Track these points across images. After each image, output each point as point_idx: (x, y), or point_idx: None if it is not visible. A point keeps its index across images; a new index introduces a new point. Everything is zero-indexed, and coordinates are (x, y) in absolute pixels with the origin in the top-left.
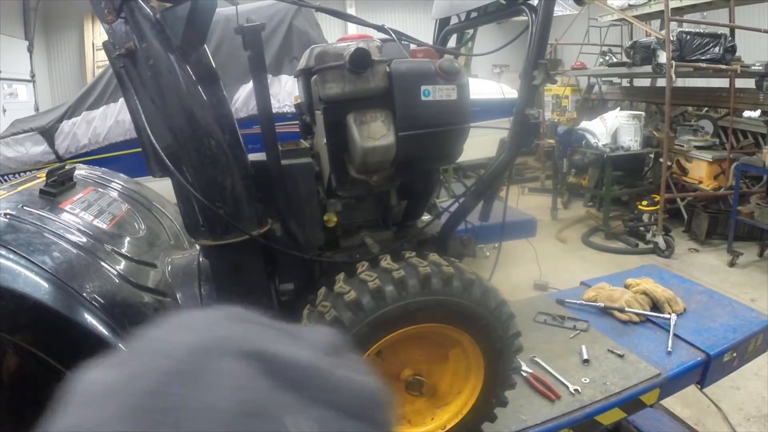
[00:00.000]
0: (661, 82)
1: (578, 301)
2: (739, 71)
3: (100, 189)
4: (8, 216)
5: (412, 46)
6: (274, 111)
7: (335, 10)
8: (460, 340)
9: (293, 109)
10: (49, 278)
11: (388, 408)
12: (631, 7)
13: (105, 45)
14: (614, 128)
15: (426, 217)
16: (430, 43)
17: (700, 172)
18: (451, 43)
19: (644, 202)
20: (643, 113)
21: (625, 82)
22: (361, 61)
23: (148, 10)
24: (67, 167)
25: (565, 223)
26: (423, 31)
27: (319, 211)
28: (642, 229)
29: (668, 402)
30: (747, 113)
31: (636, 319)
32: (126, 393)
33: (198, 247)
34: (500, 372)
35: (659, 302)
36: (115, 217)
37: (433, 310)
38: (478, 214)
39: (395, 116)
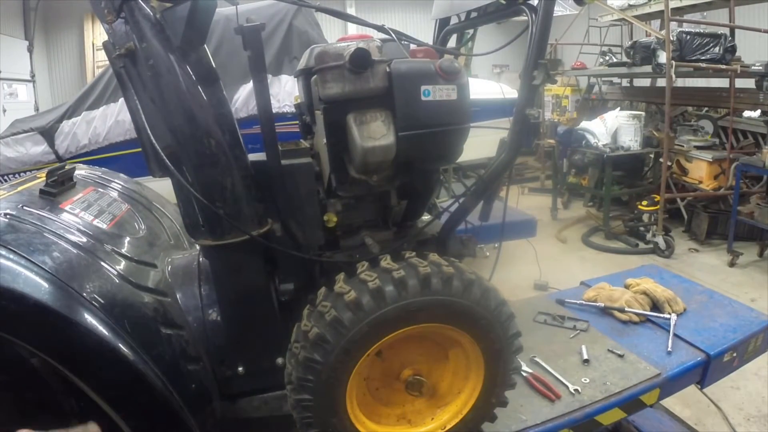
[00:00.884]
0: (661, 82)
1: (578, 301)
2: (739, 71)
3: (100, 189)
4: (8, 216)
5: (412, 46)
6: (274, 111)
7: (335, 10)
8: (460, 340)
9: (293, 109)
10: (49, 278)
11: None
12: (631, 7)
13: (105, 45)
14: (614, 128)
15: (426, 217)
16: (430, 43)
17: (700, 172)
18: (451, 43)
19: (644, 202)
20: (643, 113)
21: (625, 82)
22: (361, 61)
23: (148, 10)
24: (67, 167)
25: (565, 223)
26: (423, 31)
27: (319, 211)
28: (642, 229)
29: (668, 402)
30: (747, 113)
31: (636, 319)
32: None
33: (198, 247)
34: (500, 372)
35: (659, 302)
36: (115, 217)
37: (433, 310)
38: (478, 214)
39: (395, 116)
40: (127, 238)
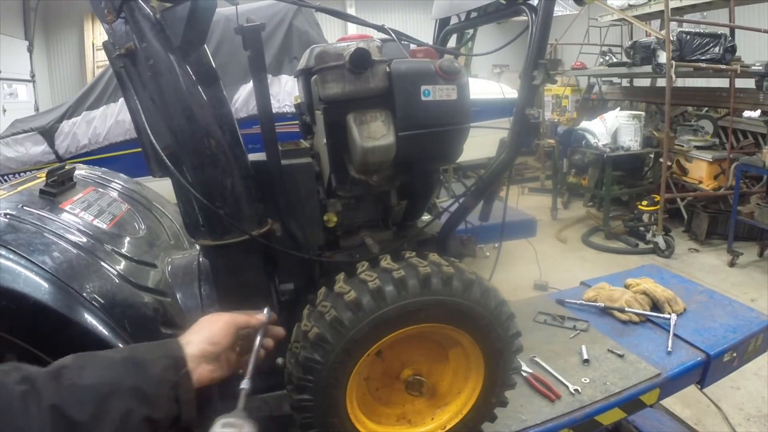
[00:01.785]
0: (661, 82)
1: (578, 301)
2: (739, 71)
3: (100, 189)
4: (8, 216)
5: (412, 46)
6: (274, 111)
7: (335, 10)
8: (460, 340)
9: (293, 109)
10: (49, 278)
11: None
12: (631, 7)
13: (105, 45)
14: (614, 128)
15: (426, 217)
16: (430, 43)
17: (700, 172)
18: (451, 43)
19: (644, 202)
20: (643, 113)
21: (625, 82)
22: (361, 61)
23: (148, 10)
24: (67, 167)
25: (565, 223)
26: (423, 31)
27: (319, 211)
28: (642, 229)
29: (668, 402)
30: (747, 113)
31: (636, 319)
32: None
33: (198, 247)
34: (500, 372)
35: (659, 302)
36: (115, 217)
37: (433, 310)
38: (478, 214)
39: (395, 116)
40: (127, 238)
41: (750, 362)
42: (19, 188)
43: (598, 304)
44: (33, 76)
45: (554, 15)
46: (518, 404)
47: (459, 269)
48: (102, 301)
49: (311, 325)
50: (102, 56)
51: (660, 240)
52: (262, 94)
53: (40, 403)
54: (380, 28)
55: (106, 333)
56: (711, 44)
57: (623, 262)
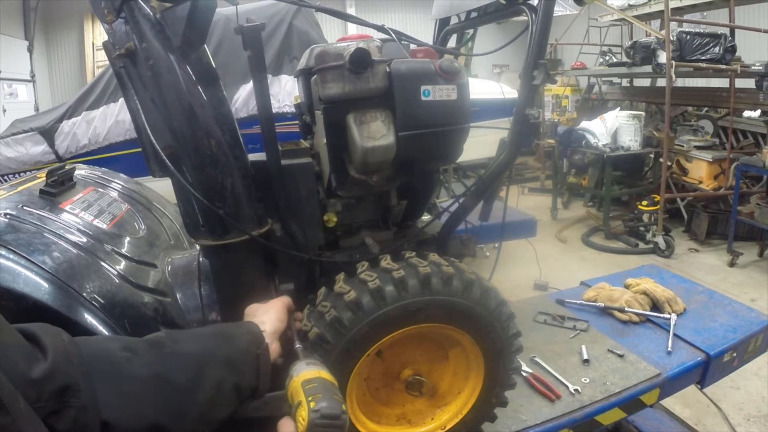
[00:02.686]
0: (661, 82)
1: (578, 301)
2: (739, 71)
3: (100, 189)
4: (8, 216)
5: (412, 46)
6: (274, 111)
7: (335, 10)
8: (460, 340)
9: (293, 109)
10: (49, 278)
11: None
12: (631, 7)
13: (105, 45)
14: (614, 128)
15: (426, 217)
16: (430, 43)
17: (700, 172)
18: (451, 43)
19: (644, 202)
20: (643, 113)
21: (625, 82)
22: (361, 61)
23: (148, 10)
24: (67, 167)
25: (565, 223)
26: (423, 31)
27: (319, 210)
28: (642, 229)
29: (668, 402)
30: (747, 113)
31: (636, 319)
32: None
33: (198, 247)
34: (500, 372)
35: (659, 302)
36: (115, 217)
37: (433, 310)
38: (478, 214)
39: (395, 116)
40: (127, 238)
41: (750, 362)
42: (19, 188)
43: (598, 304)
44: (33, 76)
45: (554, 15)
46: (518, 404)
47: (459, 269)
48: (102, 301)
49: (311, 325)
50: (102, 56)
51: (660, 240)
52: (262, 94)
53: (145, 368)
54: (380, 28)
55: (106, 333)
56: (711, 44)
57: (623, 262)
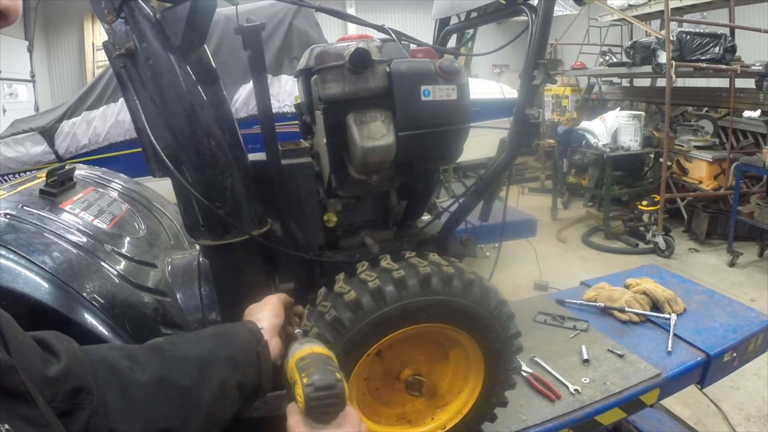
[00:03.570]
0: (661, 82)
1: (578, 301)
2: (739, 71)
3: (100, 189)
4: (8, 216)
5: (412, 46)
6: (274, 111)
7: (335, 10)
8: (460, 340)
9: (293, 109)
10: (49, 278)
11: None
12: (631, 7)
13: (105, 45)
14: (614, 128)
15: (426, 217)
16: (430, 43)
17: (700, 172)
18: (451, 43)
19: (644, 202)
20: (643, 113)
21: (625, 82)
22: (361, 61)
23: (148, 10)
24: (67, 167)
25: (565, 223)
26: (423, 31)
27: (319, 210)
28: (642, 229)
29: (668, 402)
30: (747, 113)
31: (636, 319)
32: None
33: (198, 247)
34: (500, 372)
35: (659, 302)
36: (115, 217)
37: (433, 310)
38: (478, 214)
39: (395, 116)
40: (127, 238)
41: (750, 362)
42: (19, 188)
43: (598, 304)
44: (33, 76)
45: (554, 15)
46: (518, 404)
47: (459, 269)
48: (102, 301)
49: (311, 325)
50: (102, 56)
51: (660, 240)
52: (262, 94)
53: (147, 374)
54: (380, 28)
55: (106, 333)
56: (711, 44)
57: (623, 262)
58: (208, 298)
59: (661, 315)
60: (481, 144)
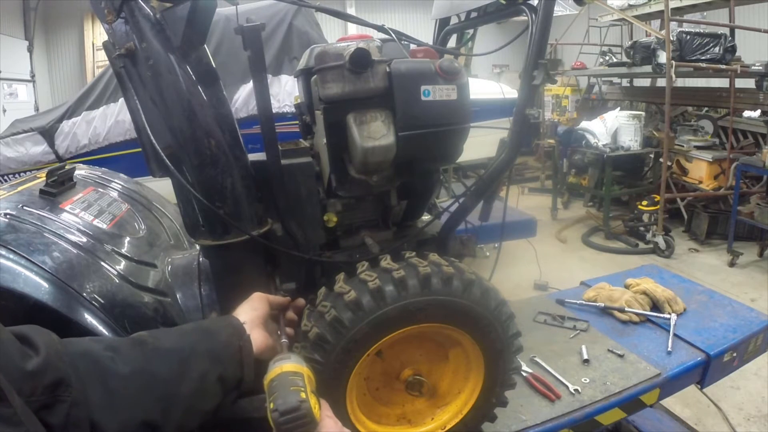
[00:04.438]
0: (661, 82)
1: (578, 301)
2: (739, 71)
3: (100, 189)
4: (8, 216)
5: (412, 46)
6: (274, 111)
7: (335, 10)
8: (460, 340)
9: (293, 109)
10: (49, 278)
11: None
12: (631, 7)
13: (105, 45)
14: (614, 128)
15: (426, 217)
16: (430, 43)
17: (700, 172)
18: (451, 43)
19: (644, 202)
20: (643, 113)
21: (625, 82)
22: (361, 61)
23: (148, 10)
24: (67, 167)
25: (565, 223)
26: (423, 31)
27: (319, 210)
28: (642, 229)
29: (668, 402)
30: (747, 113)
31: (636, 319)
32: None
33: (198, 247)
34: (500, 372)
35: (659, 302)
36: (115, 217)
37: (433, 310)
38: (478, 214)
39: (395, 116)
40: (127, 238)
41: (750, 362)
42: (19, 188)
43: (598, 304)
44: (33, 76)
45: (554, 15)
46: (518, 404)
47: (459, 269)
48: (102, 301)
49: (311, 325)
50: (102, 56)
51: (660, 240)
52: (262, 94)
53: (128, 365)
54: (380, 28)
55: (106, 333)
56: (711, 44)
57: (623, 262)
58: (208, 298)
59: (661, 315)
60: (481, 144)
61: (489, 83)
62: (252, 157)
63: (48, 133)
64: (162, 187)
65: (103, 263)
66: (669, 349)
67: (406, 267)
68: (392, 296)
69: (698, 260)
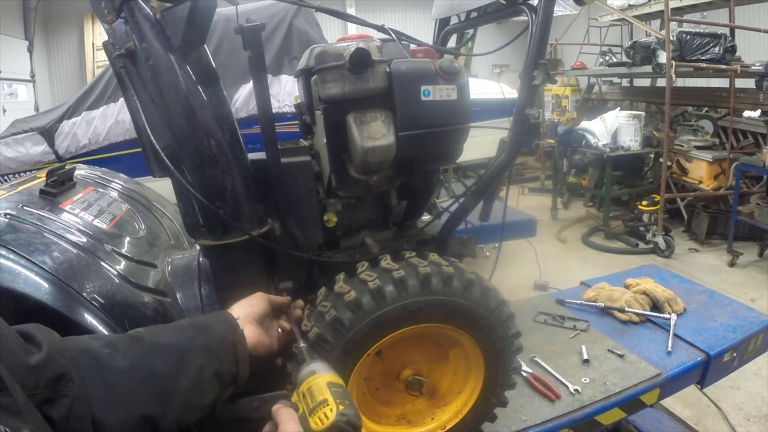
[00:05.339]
0: (661, 82)
1: (578, 301)
2: (739, 71)
3: (100, 189)
4: (8, 216)
5: (412, 46)
6: (274, 111)
7: (335, 10)
8: (460, 340)
9: (293, 109)
10: (49, 278)
11: None
12: (631, 7)
13: (105, 45)
14: (614, 128)
15: (426, 217)
16: (430, 43)
17: (700, 172)
18: (451, 43)
19: (644, 202)
20: (643, 113)
21: (625, 82)
22: (361, 61)
23: (148, 10)
24: (67, 167)
25: (565, 223)
26: (423, 31)
27: (319, 210)
28: (642, 229)
29: (668, 402)
30: (747, 113)
31: (636, 319)
32: None
33: (198, 247)
34: (500, 372)
35: (659, 302)
36: (115, 217)
37: (433, 310)
38: (478, 214)
39: (395, 116)
40: (127, 238)
41: (750, 362)
42: (19, 188)
43: (598, 304)
44: (33, 76)
45: (554, 15)
46: (518, 404)
47: (459, 269)
48: (102, 301)
49: (311, 325)
50: (102, 56)
51: (660, 240)
52: (262, 94)
53: (127, 361)
54: (380, 28)
55: (106, 333)
56: (711, 44)
57: (623, 262)
58: (208, 298)
59: (661, 315)
60: (481, 144)
61: (489, 83)
62: (252, 156)
63: (48, 133)
64: (162, 187)
65: (103, 263)
66: (669, 349)
67: (406, 267)
68: (392, 296)
69: (698, 260)
